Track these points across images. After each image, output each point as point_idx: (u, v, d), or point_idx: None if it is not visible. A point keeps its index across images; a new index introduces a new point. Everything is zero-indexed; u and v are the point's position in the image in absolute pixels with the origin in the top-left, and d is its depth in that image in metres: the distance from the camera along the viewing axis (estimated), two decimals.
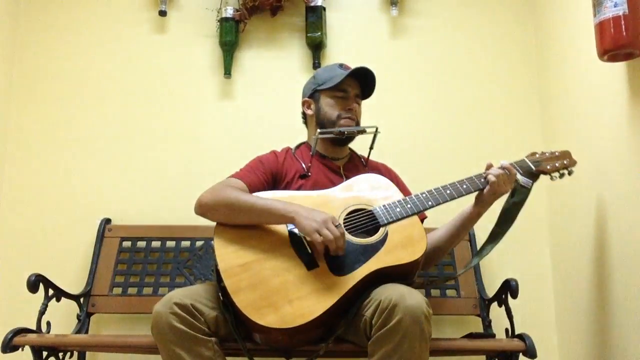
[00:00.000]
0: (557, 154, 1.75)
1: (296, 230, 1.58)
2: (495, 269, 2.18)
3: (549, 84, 2.29)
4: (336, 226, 1.50)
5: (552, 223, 2.24)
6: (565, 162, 1.73)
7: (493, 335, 1.87)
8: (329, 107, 1.82)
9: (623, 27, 1.48)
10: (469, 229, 1.75)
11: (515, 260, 2.21)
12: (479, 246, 1.87)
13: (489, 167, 1.69)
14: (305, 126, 1.95)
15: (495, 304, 1.94)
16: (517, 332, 1.74)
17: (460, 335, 1.90)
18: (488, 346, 1.75)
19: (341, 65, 1.86)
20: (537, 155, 1.76)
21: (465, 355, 1.87)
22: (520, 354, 1.66)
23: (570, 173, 1.73)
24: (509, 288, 1.80)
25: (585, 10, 1.82)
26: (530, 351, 1.62)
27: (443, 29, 2.44)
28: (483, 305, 2.03)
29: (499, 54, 2.42)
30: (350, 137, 1.84)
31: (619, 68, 1.67)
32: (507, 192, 1.66)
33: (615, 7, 1.49)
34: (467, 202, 1.70)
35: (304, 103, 1.91)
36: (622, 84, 1.67)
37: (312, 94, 1.88)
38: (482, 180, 1.66)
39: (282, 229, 1.60)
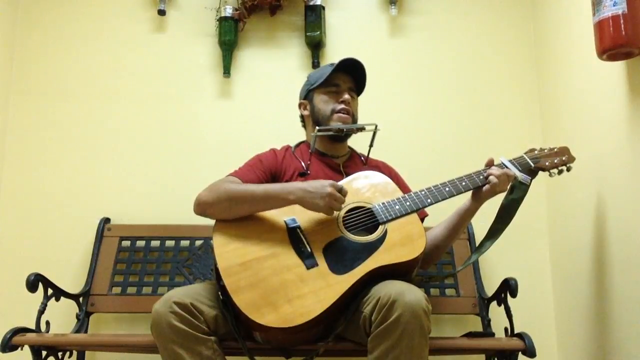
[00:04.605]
0: (555, 150, 1.75)
1: (297, 224, 1.58)
2: (494, 268, 2.18)
3: (549, 82, 2.29)
4: (340, 190, 1.56)
5: (551, 222, 2.24)
6: (564, 158, 1.73)
7: (492, 334, 1.87)
8: (322, 103, 1.83)
9: (622, 26, 1.49)
10: (466, 224, 1.76)
11: (515, 259, 2.21)
12: (478, 244, 1.87)
13: (490, 162, 1.69)
14: (304, 129, 1.96)
15: (494, 303, 1.94)
16: (516, 331, 1.74)
17: (459, 334, 1.90)
18: (487, 345, 1.75)
19: (332, 65, 1.86)
20: (536, 152, 1.76)
21: (465, 354, 1.87)
22: (520, 352, 1.66)
23: (568, 169, 1.73)
24: (508, 287, 1.80)
25: (584, 9, 1.82)
26: (530, 350, 1.62)
27: (442, 28, 2.44)
28: (482, 304, 2.03)
29: (498, 52, 2.42)
30: (349, 134, 1.84)
31: (618, 67, 1.67)
32: (505, 190, 1.66)
33: (614, 6, 1.49)
34: (464, 198, 1.71)
35: (300, 105, 1.92)
36: (621, 83, 1.67)
37: (306, 95, 1.89)
38: (481, 177, 1.66)
39: (281, 227, 1.60)
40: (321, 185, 1.56)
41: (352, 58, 1.82)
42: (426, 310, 1.37)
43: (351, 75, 1.86)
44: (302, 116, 1.94)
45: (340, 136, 1.83)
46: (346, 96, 1.82)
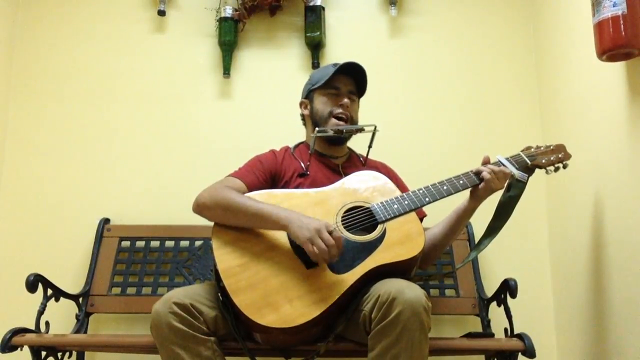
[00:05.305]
0: (552, 147, 1.76)
1: None
2: (494, 268, 2.18)
3: (548, 82, 2.29)
4: (331, 232, 1.46)
5: (550, 222, 2.24)
6: (560, 155, 1.74)
7: (492, 335, 1.87)
8: (321, 104, 1.84)
9: (622, 26, 1.48)
10: (465, 223, 1.76)
11: (514, 259, 2.22)
12: (476, 242, 1.86)
13: (486, 160, 1.69)
14: (304, 127, 1.96)
15: (494, 304, 1.94)
16: (516, 331, 1.74)
17: (459, 334, 1.90)
18: (487, 345, 1.75)
19: (335, 65, 1.86)
20: (533, 150, 1.77)
21: (464, 355, 1.87)
22: (519, 353, 1.66)
23: (565, 167, 1.74)
24: (508, 288, 1.80)
25: (584, 10, 1.82)
26: (529, 351, 1.62)
27: (442, 29, 2.44)
28: (482, 305, 2.03)
29: (498, 53, 2.42)
30: (346, 137, 1.84)
31: (618, 67, 1.67)
32: (502, 188, 1.67)
33: (614, 6, 1.49)
34: (462, 197, 1.71)
35: (300, 104, 1.93)
36: (621, 83, 1.67)
37: (307, 95, 1.89)
38: (479, 175, 1.66)
39: None
40: (315, 220, 1.51)
41: (355, 63, 1.83)
42: (426, 307, 1.37)
43: (353, 77, 1.86)
44: (302, 115, 1.94)
45: (339, 139, 1.83)
46: (345, 100, 1.82)
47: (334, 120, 1.81)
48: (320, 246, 1.44)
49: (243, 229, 1.60)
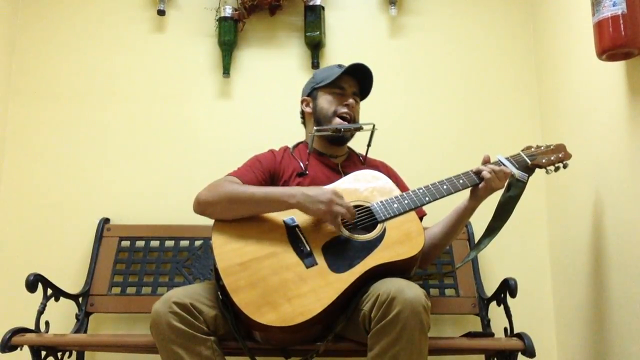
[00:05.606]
0: (552, 147, 1.76)
1: (295, 223, 1.59)
2: (494, 268, 2.18)
3: (548, 82, 2.29)
4: (340, 196, 1.55)
5: (550, 222, 2.24)
6: (560, 155, 1.74)
7: (492, 334, 1.87)
8: (326, 102, 1.84)
9: (622, 26, 1.48)
10: (465, 223, 1.76)
11: (514, 259, 2.22)
12: (476, 242, 1.86)
13: (486, 160, 1.69)
14: (303, 125, 1.96)
15: (494, 303, 1.94)
16: (515, 331, 1.74)
17: (459, 334, 1.90)
18: (487, 345, 1.75)
19: (340, 66, 1.88)
20: (533, 149, 1.77)
21: (464, 355, 1.87)
22: (519, 353, 1.66)
23: (565, 166, 1.74)
24: (507, 287, 1.80)
25: (584, 9, 1.83)
26: (529, 350, 1.62)
27: (442, 28, 2.45)
28: (482, 305, 2.03)
29: (498, 52, 2.42)
30: (347, 137, 1.85)
31: (618, 67, 1.67)
32: (502, 187, 1.67)
33: (614, 6, 1.49)
34: (462, 197, 1.71)
35: (302, 101, 1.93)
36: (621, 83, 1.67)
37: (311, 92, 1.89)
38: (479, 174, 1.66)
39: (280, 226, 1.60)
40: (321, 190, 1.57)
41: (363, 65, 1.83)
42: (425, 306, 1.37)
43: (357, 79, 1.87)
44: (302, 112, 1.94)
45: (341, 139, 1.83)
46: (350, 100, 1.83)
47: (337, 120, 1.82)
48: (341, 211, 1.54)
49: (243, 228, 1.60)
